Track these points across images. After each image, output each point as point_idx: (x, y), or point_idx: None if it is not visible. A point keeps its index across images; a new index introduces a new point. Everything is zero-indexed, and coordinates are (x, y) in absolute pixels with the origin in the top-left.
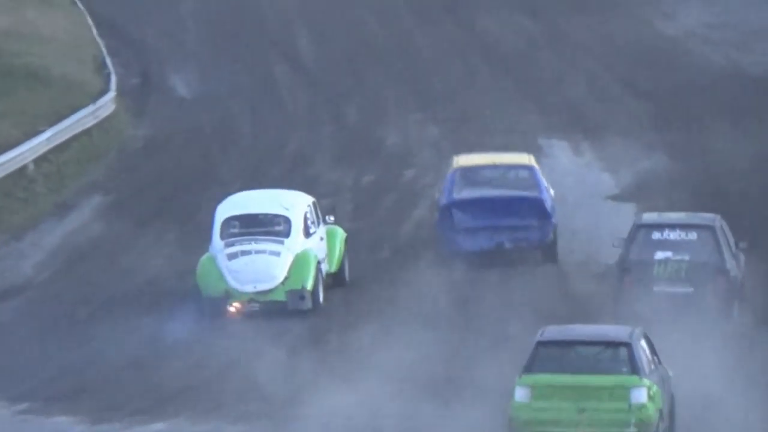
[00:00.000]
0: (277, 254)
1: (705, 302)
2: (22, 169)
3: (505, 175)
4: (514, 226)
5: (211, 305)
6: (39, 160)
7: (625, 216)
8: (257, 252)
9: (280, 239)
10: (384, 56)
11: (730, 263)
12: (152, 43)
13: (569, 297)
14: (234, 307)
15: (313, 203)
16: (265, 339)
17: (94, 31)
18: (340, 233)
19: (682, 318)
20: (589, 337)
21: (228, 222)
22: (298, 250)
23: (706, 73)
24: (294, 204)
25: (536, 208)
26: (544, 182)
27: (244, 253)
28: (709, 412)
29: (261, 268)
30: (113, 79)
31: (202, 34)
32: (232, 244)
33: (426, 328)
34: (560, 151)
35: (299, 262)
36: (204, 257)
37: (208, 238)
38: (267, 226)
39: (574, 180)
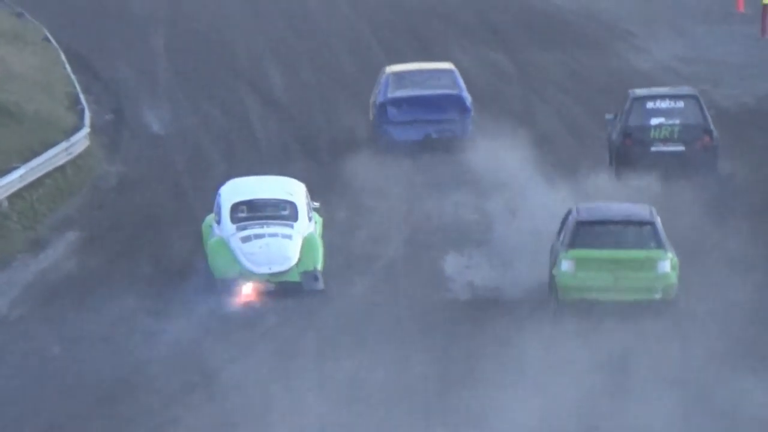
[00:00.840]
0: (289, 237)
1: (694, 157)
2: None
3: (430, 77)
4: (439, 120)
5: (225, 286)
6: (13, 197)
7: None
8: (270, 235)
9: (290, 223)
10: (357, 91)
11: (713, 125)
12: (125, 79)
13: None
14: (252, 289)
15: (306, 190)
16: None
17: (68, 67)
18: (319, 219)
19: (676, 171)
20: (620, 217)
21: (236, 207)
22: (305, 233)
23: None
24: (295, 190)
25: (457, 103)
26: (463, 83)
27: (258, 236)
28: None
29: (275, 251)
30: (87, 115)
31: (175, 70)
32: (244, 228)
33: None
34: (534, 184)
35: (308, 244)
36: (213, 240)
37: (181, 273)
38: (275, 211)
39: (548, 214)
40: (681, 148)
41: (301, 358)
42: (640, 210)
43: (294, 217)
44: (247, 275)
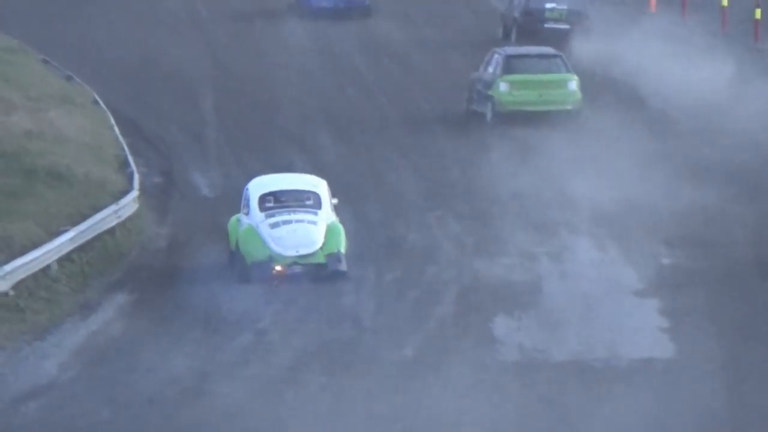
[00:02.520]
0: (315, 223)
1: (575, 34)
2: (46, 269)
3: None
4: None
5: (257, 269)
6: (62, 260)
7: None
8: (297, 221)
9: (314, 210)
10: (405, 152)
11: (589, 9)
12: (174, 141)
13: None
14: (277, 270)
15: (327, 186)
16: None
17: (117, 130)
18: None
19: (561, 42)
20: (537, 52)
21: (264, 197)
22: (328, 221)
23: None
24: (317, 183)
25: None
26: None
27: (286, 222)
28: None
29: (302, 235)
30: (136, 178)
31: (224, 131)
32: (272, 215)
33: None
34: (583, 246)
35: (331, 230)
36: (243, 229)
37: (230, 334)
38: (300, 200)
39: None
40: (566, 26)
41: (348, 419)
42: (549, 49)
43: (318, 205)
44: (277, 258)
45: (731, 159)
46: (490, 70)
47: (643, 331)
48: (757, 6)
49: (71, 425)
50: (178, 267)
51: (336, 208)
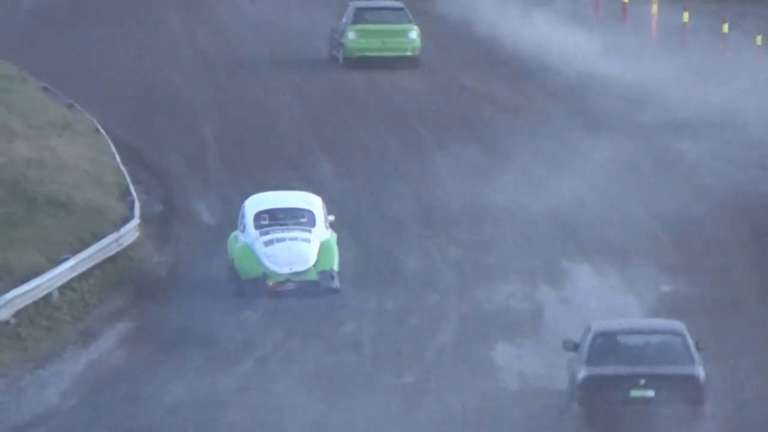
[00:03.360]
0: (308, 241)
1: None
2: (47, 297)
3: None
4: None
5: (251, 286)
6: (63, 288)
7: None
8: (291, 239)
9: (308, 228)
10: (405, 176)
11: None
12: (175, 168)
13: None
14: (270, 287)
15: (323, 203)
16: None
17: (117, 158)
18: (334, 234)
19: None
20: (382, 4)
21: (259, 215)
22: (322, 238)
23: (729, 194)
24: (313, 201)
25: None
26: None
27: (279, 240)
28: None
29: (295, 252)
30: (137, 206)
31: (225, 159)
32: (266, 233)
33: None
34: (583, 273)
35: (325, 248)
36: (238, 246)
37: (231, 362)
38: (294, 218)
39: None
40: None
41: None
42: (395, 2)
43: (312, 223)
44: (270, 275)
45: None
46: (344, 20)
47: None
48: None
49: None
50: (178, 295)
51: (332, 225)
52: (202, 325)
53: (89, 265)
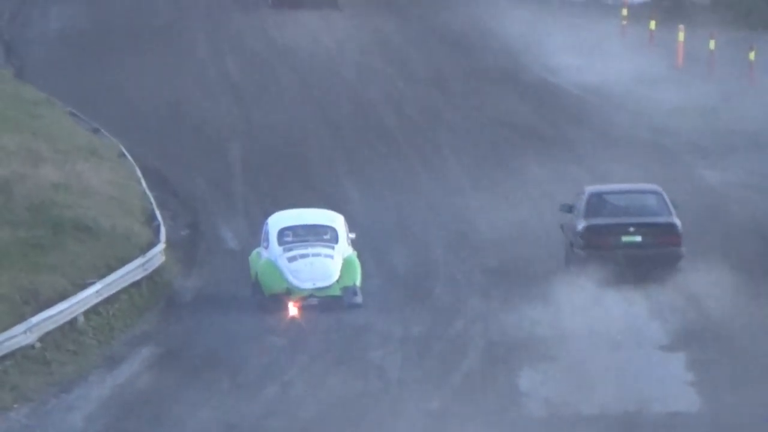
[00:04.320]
0: (331, 257)
1: None
2: (72, 322)
3: None
4: None
5: (274, 301)
6: (89, 313)
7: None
8: (314, 255)
9: (331, 245)
10: (432, 203)
11: None
12: (201, 193)
13: None
14: (296, 308)
15: (344, 220)
16: None
17: (143, 183)
18: (354, 252)
19: None
20: None
21: (282, 232)
22: (345, 255)
23: (753, 220)
24: (335, 218)
25: None
26: None
27: (303, 256)
28: None
29: (319, 268)
30: (162, 230)
31: (251, 184)
32: (290, 249)
33: None
34: (608, 299)
35: (347, 264)
36: (262, 262)
37: (256, 387)
38: (317, 235)
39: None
40: None
41: None
42: None
43: (335, 240)
44: (294, 290)
45: None
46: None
47: (669, 385)
48: None
49: None
50: (204, 320)
51: (353, 242)
52: (228, 350)
53: (115, 289)
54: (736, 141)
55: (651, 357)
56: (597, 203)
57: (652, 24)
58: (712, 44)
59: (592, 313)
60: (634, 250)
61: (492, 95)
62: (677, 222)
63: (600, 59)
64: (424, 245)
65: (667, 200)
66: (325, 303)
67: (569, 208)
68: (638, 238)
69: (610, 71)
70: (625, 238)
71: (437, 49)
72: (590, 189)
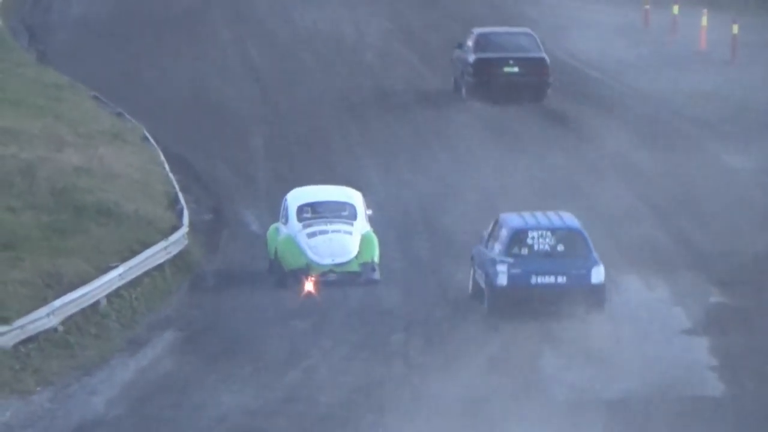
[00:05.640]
0: (350, 233)
1: None
2: (95, 305)
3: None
4: None
5: (294, 276)
6: (111, 296)
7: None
8: (333, 231)
9: (350, 221)
10: (454, 189)
11: None
12: (224, 178)
13: None
14: (313, 284)
15: (362, 197)
16: None
17: (166, 166)
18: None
19: None
20: None
21: (302, 208)
22: (363, 231)
23: None
24: (353, 195)
25: None
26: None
27: (322, 232)
28: None
29: (338, 245)
30: (185, 214)
31: (273, 168)
32: (309, 225)
33: None
34: (631, 284)
35: (366, 240)
36: (282, 238)
37: (279, 371)
38: (336, 211)
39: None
40: None
41: None
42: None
43: (353, 216)
44: (313, 266)
45: None
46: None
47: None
48: None
49: None
50: (227, 303)
51: (370, 219)
52: (250, 334)
53: (138, 273)
54: (759, 126)
55: (674, 342)
56: (484, 42)
57: (675, 8)
58: (735, 29)
59: (616, 299)
60: (513, 78)
61: None
62: (546, 57)
63: (622, 43)
64: (446, 228)
65: (538, 40)
66: (343, 278)
67: (460, 45)
68: (516, 69)
69: (632, 55)
70: (506, 69)
71: (458, 34)
72: (478, 30)
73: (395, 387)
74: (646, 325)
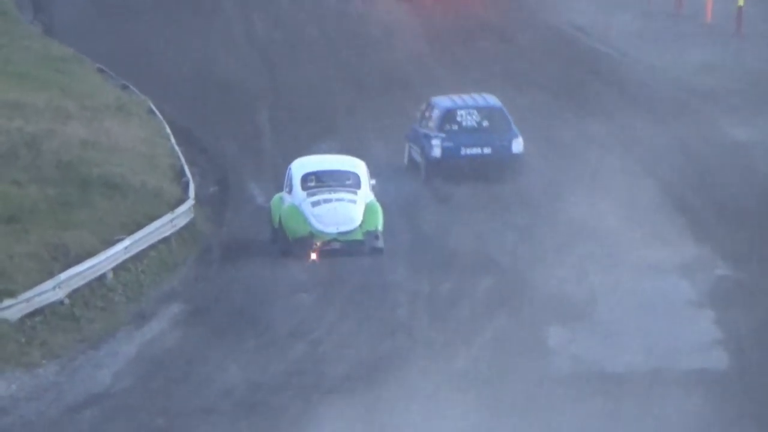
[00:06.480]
0: (354, 202)
1: None
2: (101, 278)
3: None
4: None
5: (298, 245)
6: (117, 269)
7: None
8: (337, 200)
9: (354, 190)
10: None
11: None
12: (230, 151)
13: None
14: (316, 252)
15: (366, 166)
16: None
17: (172, 140)
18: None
19: None
20: None
21: (306, 177)
22: (367, 200)
23: None
24: (357, 164)
25: None
26: None
27: (326, 201)
28: None
29: (342, 213)
30: (191, 187)
31: (278, 141)
32: (313, 194)
33: None
34: (638, 257)
35: (369, 209)
36: (286, 206)
37: (285, 345)
38: (340, 180)
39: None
40: None
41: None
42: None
43: (357, 185)
44: (318, 235)
45: None
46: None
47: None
48: None
49: None
50: (232, 277)
51: (374, 188)
52: (256, 307)
53: (144, 246)
54: (766, 98)
55: (679, 314)
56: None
57: None
58: (741, 1)
59: (622, 271)
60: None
61: (519, 53)
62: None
63: (628, 16)
64: (452, 203)
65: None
66: (348, 247)
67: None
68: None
69: (638, 28)
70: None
71: (464, 9)
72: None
73: (400, 361)
74: (652, 297)
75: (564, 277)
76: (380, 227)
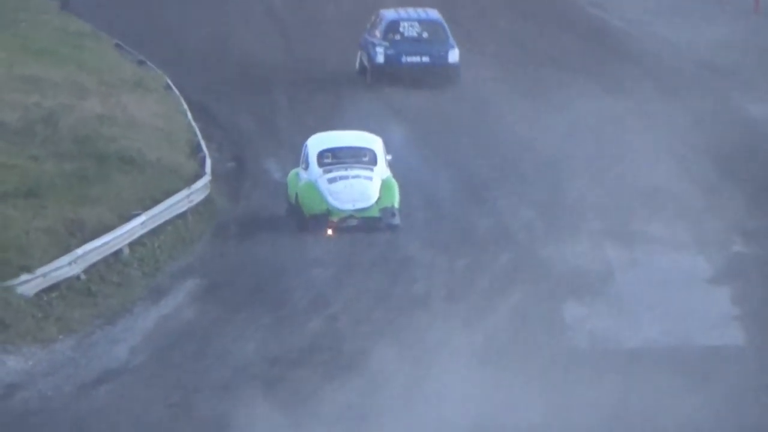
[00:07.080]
0: (370, 179)
1: None
2: (117, 253)
3: None
4: None
5: (315, 222)
6: (134, 244)
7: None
8: (354, 177)
9: (370, 167)
10: (476, 139)
11: None
12: (246, 127)
13: None
14: (331, 227)
15: (383, 142)
16: None
17: (189, 115)
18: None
19: None
20: None
21: (322, 154)
22: (383, 176)
23: None
24: (373, 140)
25: None
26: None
27: (342, 177)
28: None
29: (358, 190)
30: (208, 163)
31: (295, 117)
32: (330, 171)
33: None
34: (654, 232)
35: (386, 186)
36: (302, 183)
37: (301, 320)
38: (356, 157)
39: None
40: None
41: (419, 406)
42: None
43: (373, 162)
44: (334, 211)
45: None
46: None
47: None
48: None
49: (141, 410)
50: (249, 252)
51: (390, 164)
52: (273, 282)
53: (160, 221)
54: None
55: (696, 291)
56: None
57: None
58: None
59: (637, 246)
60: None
61: (536, 29)
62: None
63: None
64: (468, 178)
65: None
66: (364, 223)
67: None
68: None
69: (656, 5)
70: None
71: None
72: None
73: (417, 336)
74: (668, 273)
75: (581, 252)
76: (397, 204)
